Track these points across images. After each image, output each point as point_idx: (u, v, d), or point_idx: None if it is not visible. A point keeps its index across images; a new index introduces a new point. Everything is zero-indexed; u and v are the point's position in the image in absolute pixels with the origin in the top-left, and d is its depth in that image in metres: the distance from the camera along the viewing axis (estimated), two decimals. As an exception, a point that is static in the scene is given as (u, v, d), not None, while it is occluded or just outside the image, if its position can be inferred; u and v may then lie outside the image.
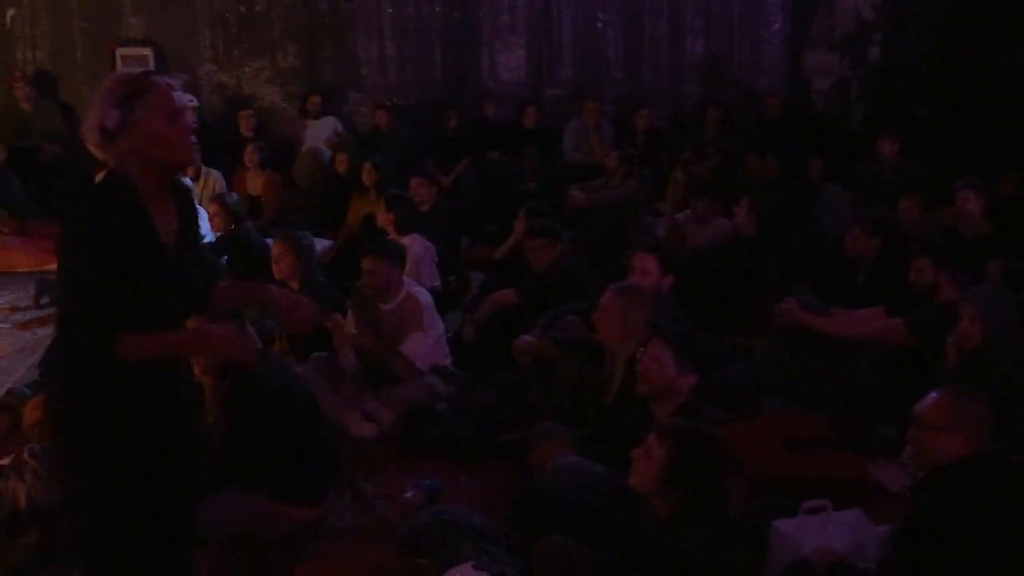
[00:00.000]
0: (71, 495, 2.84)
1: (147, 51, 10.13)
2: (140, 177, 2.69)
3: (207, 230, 6.87)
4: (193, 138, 2.79)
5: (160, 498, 2.81)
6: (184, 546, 3.04)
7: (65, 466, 2.84)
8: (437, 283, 6.58)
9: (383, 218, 6.71)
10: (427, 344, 5.37)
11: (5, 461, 4.34)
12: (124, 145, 2.65)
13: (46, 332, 6.62)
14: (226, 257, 6.84)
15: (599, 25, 10.78)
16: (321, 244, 7.42)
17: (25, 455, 4.25)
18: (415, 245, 6.44)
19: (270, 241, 6.13)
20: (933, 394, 3.21)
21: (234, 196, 7.65)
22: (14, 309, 7.19)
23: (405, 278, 5.53)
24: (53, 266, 8.67)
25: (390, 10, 10.64)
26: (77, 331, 2.65)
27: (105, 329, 2.60)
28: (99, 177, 2.76)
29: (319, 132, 9.88)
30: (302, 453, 3.98)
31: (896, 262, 5.65)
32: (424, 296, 5.48)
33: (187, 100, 2.81)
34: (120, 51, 10.11)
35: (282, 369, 4.31)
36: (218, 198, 7.36)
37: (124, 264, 2.60)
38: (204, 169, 8.26)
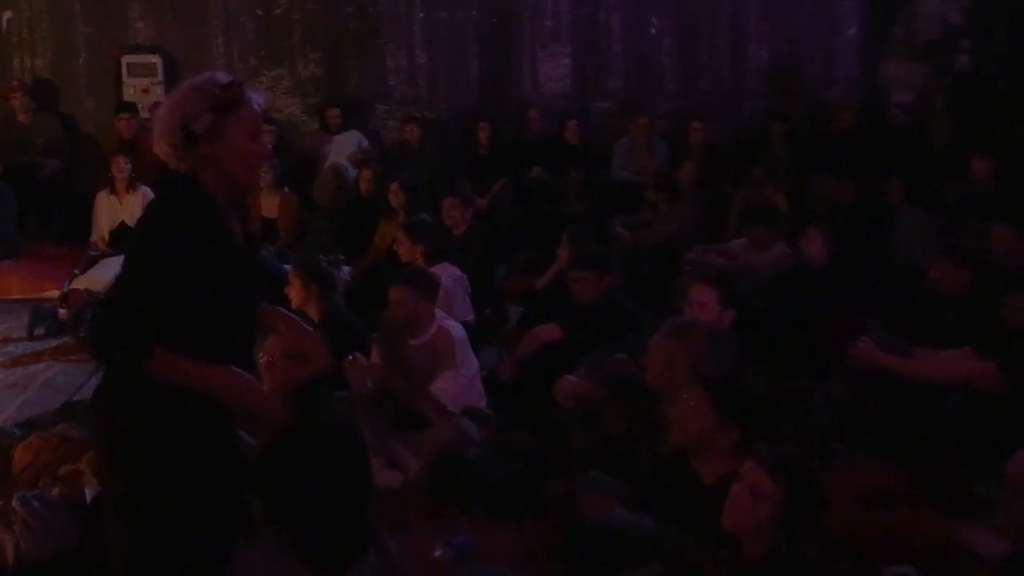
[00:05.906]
0: (124, 528, 2.86)
1: (155, 59, 10.26)
2: (213, 185, 2.79)
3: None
4: (265, 163, 2.91)
5: (214, 519, 2.91)
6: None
7: (120, 497, 2.87)
8: (470, 317, 6.57)
9: (408, 251, 6.68)
10: (459, 383, 5.35)
11: (-8, 509, 4.36)
12: (203, 151, 2.74)
13: (39, 367, 6.65)
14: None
15: (652, 31, 10.81)
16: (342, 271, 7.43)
17: (14, 503, 4.24)
18: (445, 275, 6.43)
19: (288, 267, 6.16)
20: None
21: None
22: (6, 340, 7.20)
23: (437, 310, 5.53)
24: (50, 293, 8.69)
25: (421, 14, 10.74)
26: (115, 335, 2.69)
27: (143, 339, 2.64)
28: (169, 179, 2.85)
29: (342, 148, 9.94)
30: (345, 508, 3.94)
31: (988, 297, 5.57)
32: (457, 330, 5.47)
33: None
34: (126, 59, 10.25)
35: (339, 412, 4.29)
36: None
37: (205, 265, 2.68)
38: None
